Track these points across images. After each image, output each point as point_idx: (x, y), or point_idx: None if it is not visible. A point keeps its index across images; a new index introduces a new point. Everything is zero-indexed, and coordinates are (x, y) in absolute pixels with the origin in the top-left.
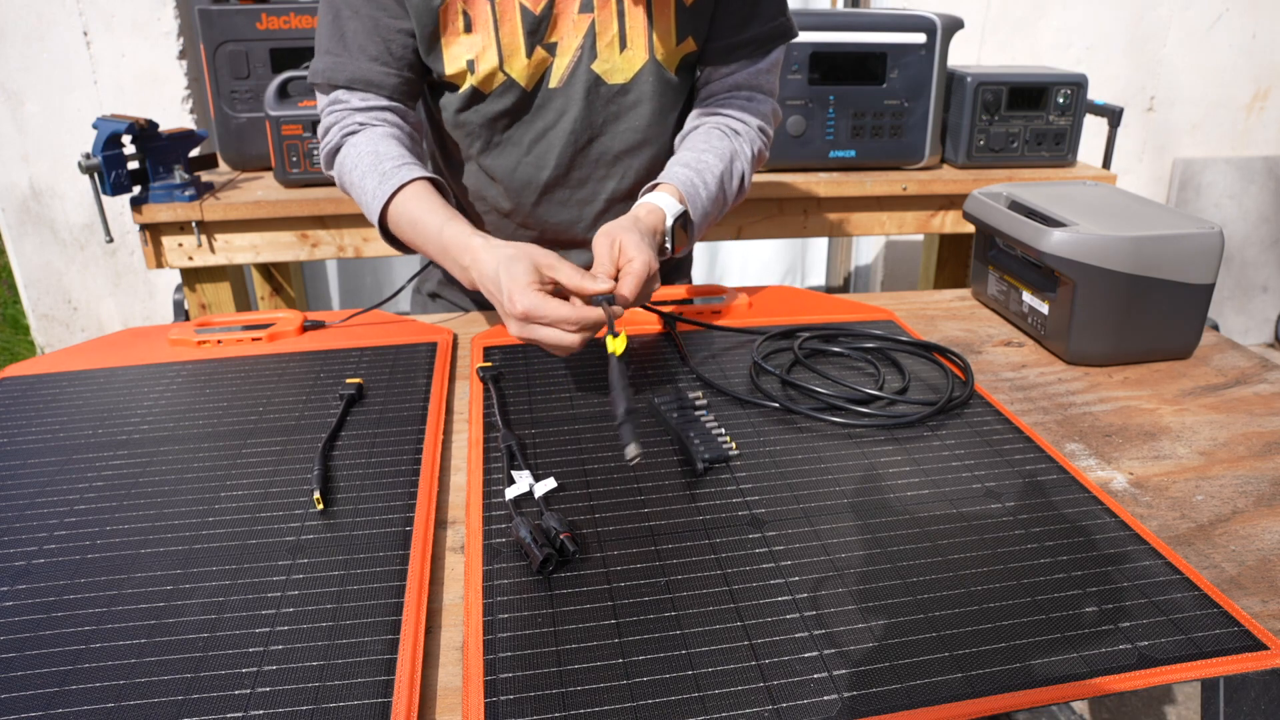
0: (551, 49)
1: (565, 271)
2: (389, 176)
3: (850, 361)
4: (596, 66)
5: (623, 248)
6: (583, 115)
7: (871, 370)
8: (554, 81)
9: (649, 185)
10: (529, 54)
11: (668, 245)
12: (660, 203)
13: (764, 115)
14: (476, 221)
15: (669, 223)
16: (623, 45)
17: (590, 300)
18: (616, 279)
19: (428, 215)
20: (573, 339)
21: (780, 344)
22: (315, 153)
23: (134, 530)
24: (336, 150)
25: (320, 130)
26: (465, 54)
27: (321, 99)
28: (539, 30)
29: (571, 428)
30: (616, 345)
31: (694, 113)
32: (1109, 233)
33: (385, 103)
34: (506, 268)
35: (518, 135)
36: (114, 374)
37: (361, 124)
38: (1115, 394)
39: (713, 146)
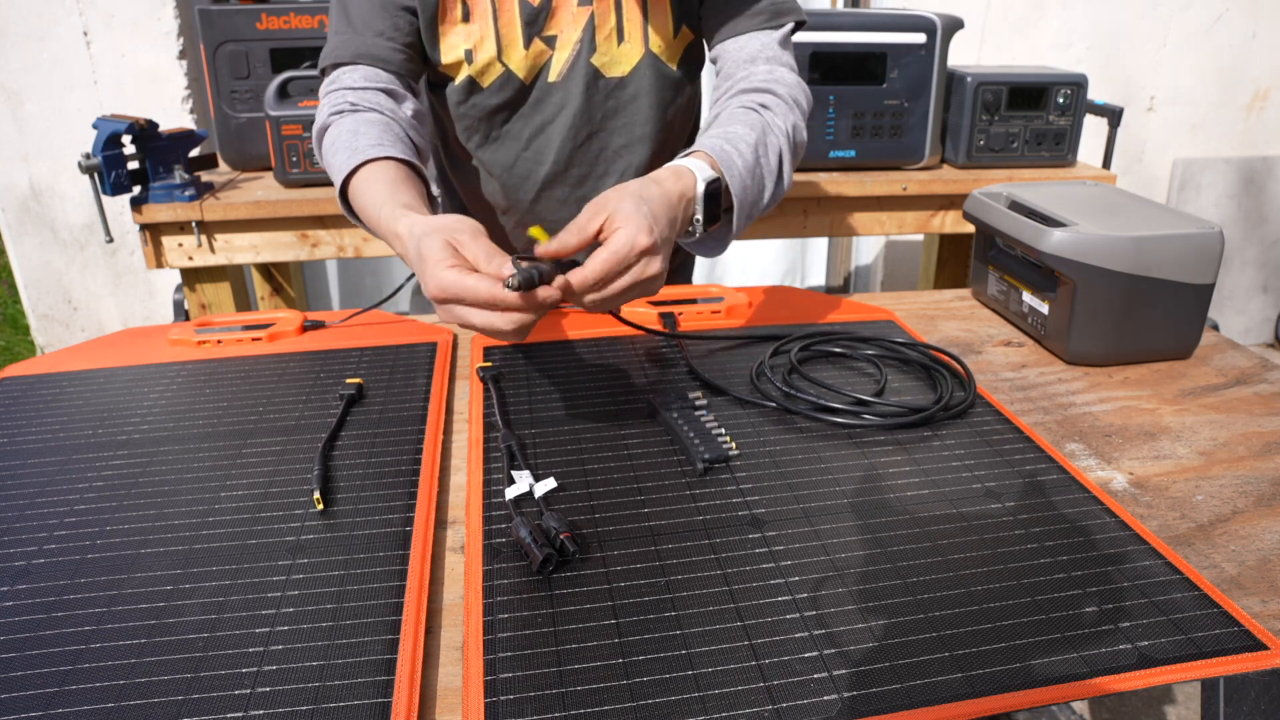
0: (550, 42)
1: (470, 247)
2: (357, 153)
3: (852, 362)
4: (595, 60)
5: (610, 216)
6: (582, 109)
7: (872, 370)
8: (553, 75)
9: (679, 156)
10: (527, 45)
11: (698, 219)
12: (688, 165)
13: (791, 86)
14: (480, 218)
15: (700, 188)
16: (620, 38)
17: (509, 284)
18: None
19: (373, 195)
20: (502, 322)
21: (784, 352)
22: (315, 153)
23: (134, 530)
24: (324, 130)
25: (317, 112)
26: (462, 43)
27: (324, 83)
28: (537, 21)
29: (571, 428)
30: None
31: (715, 104)
32: (1109, 233)
33: (384, 83)
34: (420, 246)
35: (516, 129)
36: (114, 374)
37: (353, 104)
38: (1115, 394)
39: (738, 119)
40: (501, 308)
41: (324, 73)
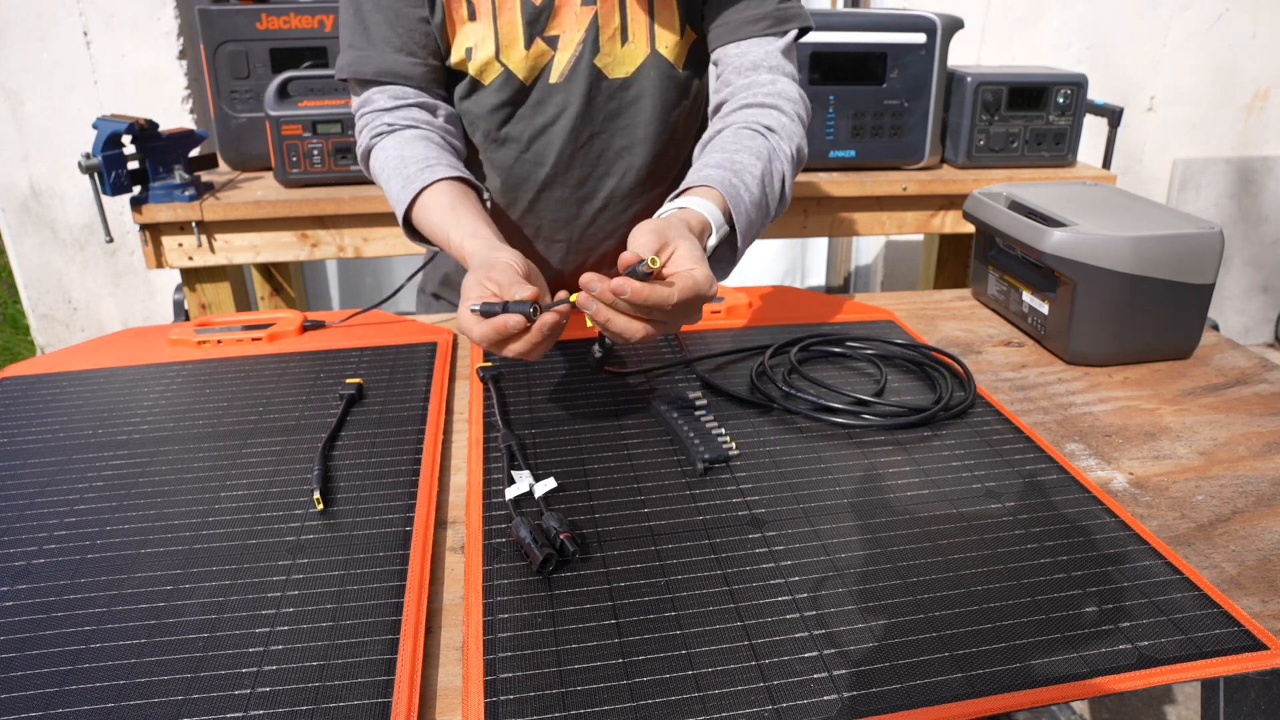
0: (552, 42)
1: (497, 277)
2: (410, 181)
3: (852, 362)
4: (598, 61)
5: (676, 254)
6: (583, 111)
7: (872, 370)
8: (555, 76)
9: (680, 189)
10: (528, 45)
11: None
12: (703, 210)
13: (795, 100)
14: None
15: (713, 241)
16: (624, 38)
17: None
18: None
19: (437, 225)
20: (519, 348)
21: (784, 352)
22: (315, 153)
23: (134, 530)
24: (368, 153)
25: (356, 132)
26: (466, 42)
27: (354, 100)
28: (539, 21)
29: (571, 428)
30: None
31: (717, 115)
32: (1109, 233)
33: (413, 98)
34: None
35: (516, 131)
36: (114, 374)
37: (390, 125)
38: (1115, 394)
39: (745, 145)
40: (498, 341)
41: (344, 82)
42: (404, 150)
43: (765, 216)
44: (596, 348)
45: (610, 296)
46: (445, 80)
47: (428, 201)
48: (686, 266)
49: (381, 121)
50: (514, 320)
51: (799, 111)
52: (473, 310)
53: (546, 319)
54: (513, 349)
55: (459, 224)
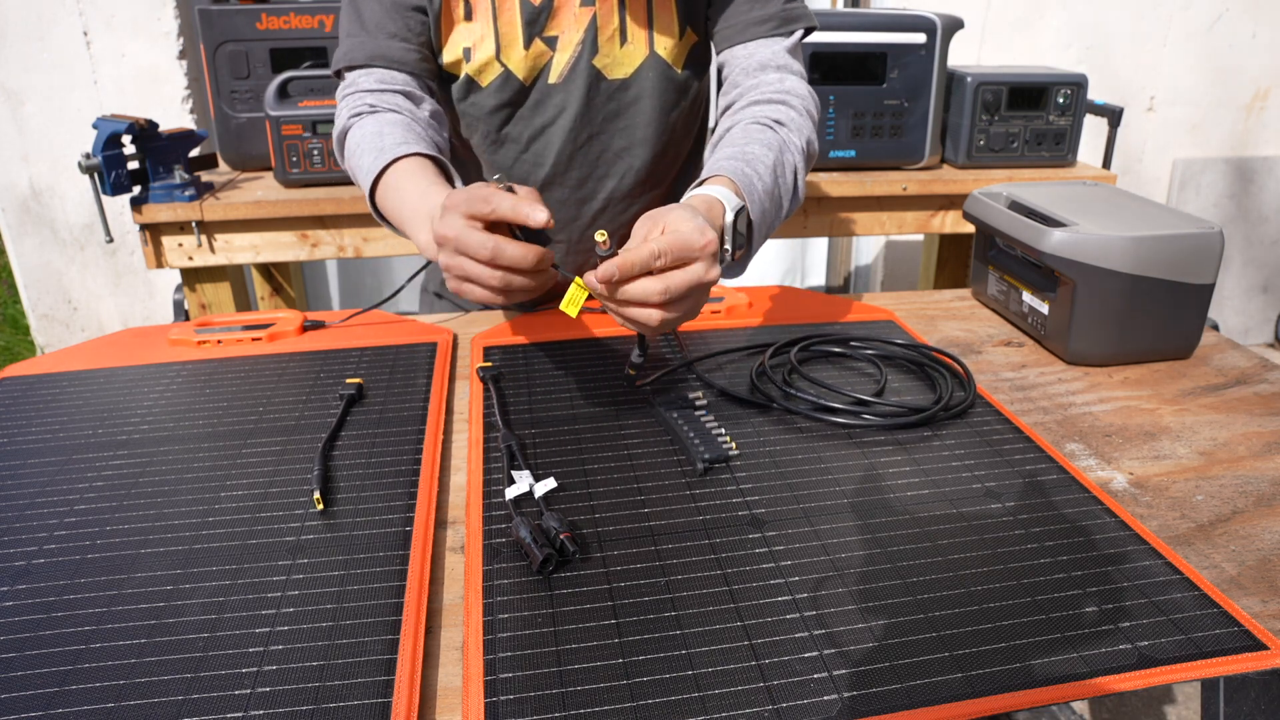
0: (551, 43)
1: (506, 202)
2: (385, 152)
3: (852, 362)
4: (597, 62)
5: (669, 222)
6: (582, 112)
7: (872, 370)
8: (553, 77)
9: (696, 182)
10: (527, 45)
11: (727, 248)
12: (715, 194)
13: (804, 97)
14: None
15: (729, 218)
16: (623, 39)
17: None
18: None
19: (410, 188)
20: (482, 272)
21: (784, 352)
22: (315, 153)
23: (134, 530)
24: (345, 133)
25: (336, 116)
26: (463, 42)
27: (340, 87)
28: (538, 21)
29: (571, 428)
30: (571, 303)
31: (726, 114)
32: (1109, 233)
33: (400, 85)
34: (446, 199)
35: (515, 132)
36: (114, 374)
37: (372, 105)
38: (1115, 394)
39: (755, 138)
40: (487, 256)
41: (339, 75)
42: (383, 127)
43: (779, 208)
44: (635, 353)
45: (606, 292)
46: (434, 74)
47: (406, 168)
48: (675, 228)
49: (363, 102)
50: (549, 254)
51: (808, 108)
52: (492, 180)
53: (549, 261)
54: (494, 274)
55: (438, 186)
